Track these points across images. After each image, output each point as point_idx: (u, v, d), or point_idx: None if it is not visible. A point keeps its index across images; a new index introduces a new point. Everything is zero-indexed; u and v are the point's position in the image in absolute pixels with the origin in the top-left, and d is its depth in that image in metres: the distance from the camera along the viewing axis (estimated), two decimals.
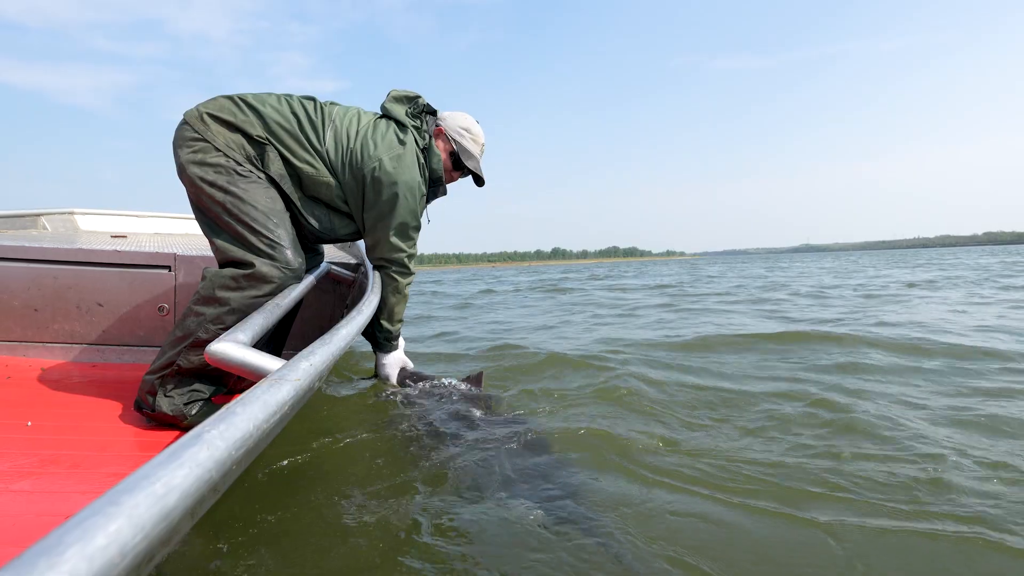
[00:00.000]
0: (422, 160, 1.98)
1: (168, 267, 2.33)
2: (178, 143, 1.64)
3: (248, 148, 1.67)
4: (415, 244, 2.08)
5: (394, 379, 2.33)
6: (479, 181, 2.23)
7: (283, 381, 0.74)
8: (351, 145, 1.82)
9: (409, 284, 2.16)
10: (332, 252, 2.92)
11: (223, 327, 1.54)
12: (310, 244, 1.97)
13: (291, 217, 1.78)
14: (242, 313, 1.56)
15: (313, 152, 1.76)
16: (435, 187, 2.11)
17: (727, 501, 1.35)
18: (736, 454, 1.67)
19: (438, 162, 2.05)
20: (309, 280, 1.80)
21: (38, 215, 3.34)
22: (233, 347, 1.04)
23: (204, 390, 1.63)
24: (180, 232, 3.75)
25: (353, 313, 1.38)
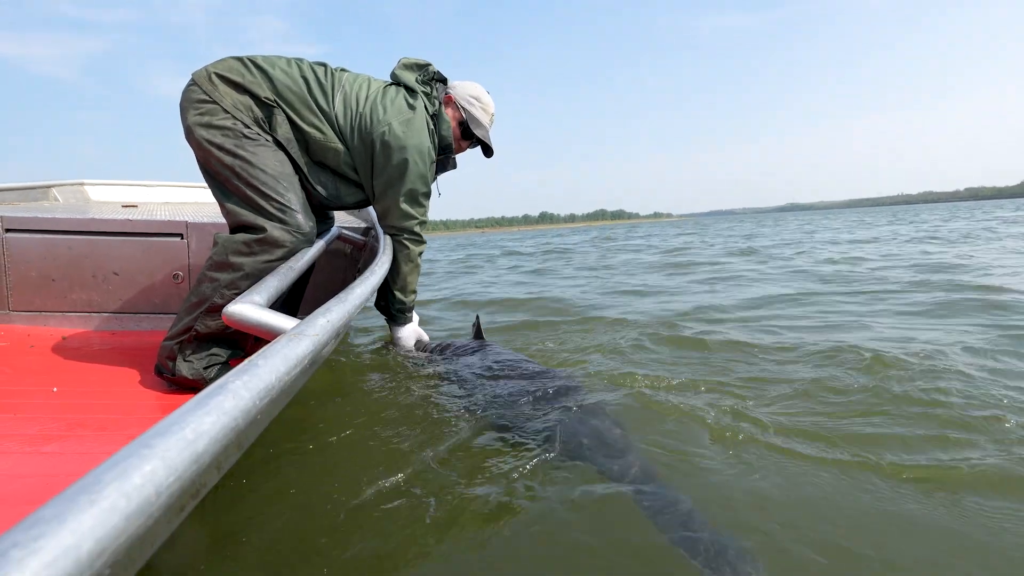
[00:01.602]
0: (431, 126, 1.96)
1: (180, 235, 2.34)
2: (185, 105, 1.62)
3: (256, 110, 1.65)
4: (426, 211, 2.06)
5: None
6: (488, 151, 2.19)
7: (302, 336, 0.75)
8: (360, 109, 1.80)
9: (421, 252, 2.15)
10: (342, 216, 2.91)
11: (237, 292, 1.56)
12: (316, 212, 1.97)
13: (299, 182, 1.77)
14: (256, 277, 1.56)
15: (321, 116, 1.74)
16: (445, 155, 2.08)
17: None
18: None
19: (447, 129, 2.02)
20: (320, 244, 1.80)
21: (49, 186, 3.35)
22: (250, 308, 1.05)
23: (222, 354, 1.66)
24: (191, 201, 3.76)
25: (366, 274, 1.39)
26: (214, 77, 1.62)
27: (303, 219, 1.66)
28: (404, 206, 1.97)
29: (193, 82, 1.63)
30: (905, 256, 6.50)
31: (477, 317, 2.46)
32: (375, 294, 1.48)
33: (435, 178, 2.07)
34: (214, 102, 1.60)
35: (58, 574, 0.29)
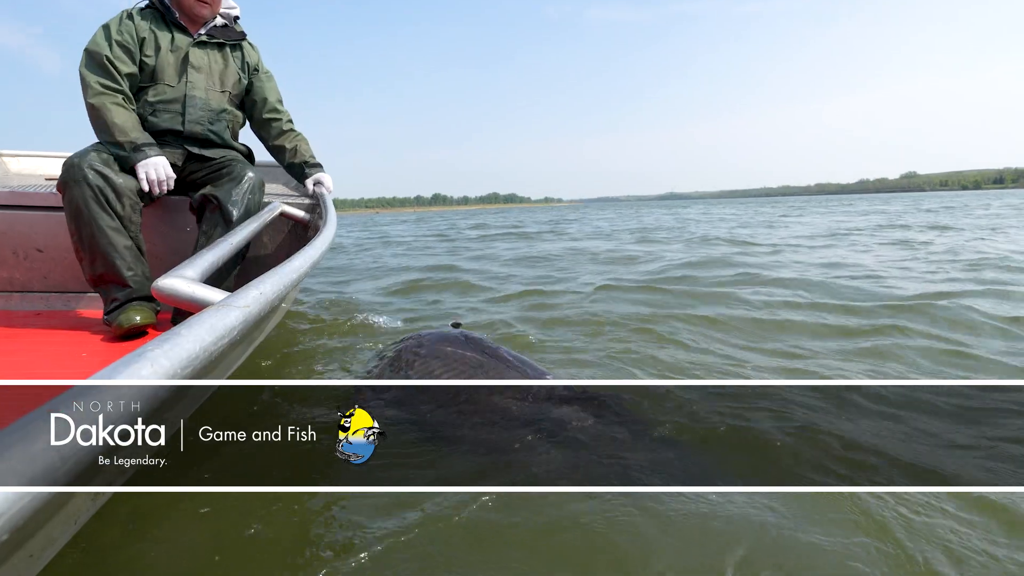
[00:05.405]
0: (130, 7, 1.99)
1: None
2: None
3: None
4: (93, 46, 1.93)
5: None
6: None
7: (231, 307, 0.74)
8: None
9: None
10: (286, 192, 2.82)
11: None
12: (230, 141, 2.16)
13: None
14: (72, 218, 1.79)
15: None
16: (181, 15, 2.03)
17: None
18: None
19: None
20: (261, 218, 1.75)
21: None
22: (180, 282, 1.02)
23: (120, 297, 1.80)
24: None
25: (306, 247, 1.36)
26: None
27: (77, 156, 1.79)
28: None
29: None
30: None
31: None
32: (315, 268, 1.44)
33: (201, 39, 2.05)
34: None
35: None
